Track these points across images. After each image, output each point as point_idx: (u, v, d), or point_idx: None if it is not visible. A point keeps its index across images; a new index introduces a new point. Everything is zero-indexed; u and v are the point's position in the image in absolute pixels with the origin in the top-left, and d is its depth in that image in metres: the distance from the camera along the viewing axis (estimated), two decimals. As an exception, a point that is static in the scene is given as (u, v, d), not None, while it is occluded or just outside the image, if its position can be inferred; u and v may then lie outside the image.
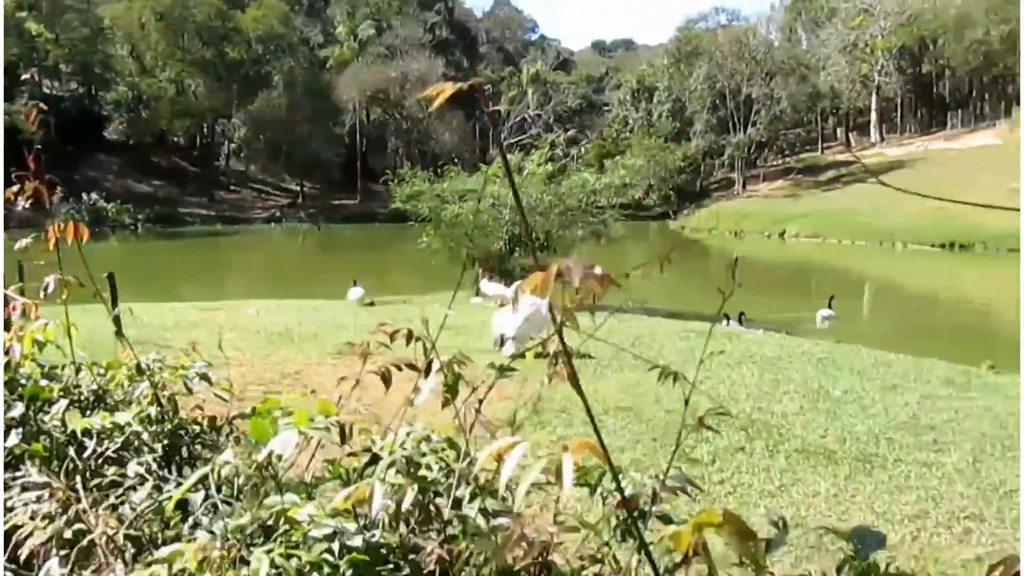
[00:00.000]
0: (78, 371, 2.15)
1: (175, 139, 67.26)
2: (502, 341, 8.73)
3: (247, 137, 64.51)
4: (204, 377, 1.96)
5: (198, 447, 1.81)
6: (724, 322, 15.24)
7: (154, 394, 1.85)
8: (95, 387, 2.07)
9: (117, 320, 10.22)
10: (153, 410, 1.80)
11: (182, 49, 59.37)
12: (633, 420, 6.40)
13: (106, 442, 1.75)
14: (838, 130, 73.63)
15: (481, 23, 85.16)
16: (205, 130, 65.47)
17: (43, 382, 2.06)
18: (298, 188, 67.38)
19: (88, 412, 1.96)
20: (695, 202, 57.82)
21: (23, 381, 2.03)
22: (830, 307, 16.38)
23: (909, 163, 52.17)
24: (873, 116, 68.81)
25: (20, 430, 1.87)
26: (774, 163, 65.85)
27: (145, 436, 1.76)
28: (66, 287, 2.08)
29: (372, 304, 14.08)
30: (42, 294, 2.08)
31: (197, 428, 1.84)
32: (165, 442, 1.76)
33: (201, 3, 59.18)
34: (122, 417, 1.78)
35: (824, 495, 4.71)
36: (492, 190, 15.42)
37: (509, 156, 17.24)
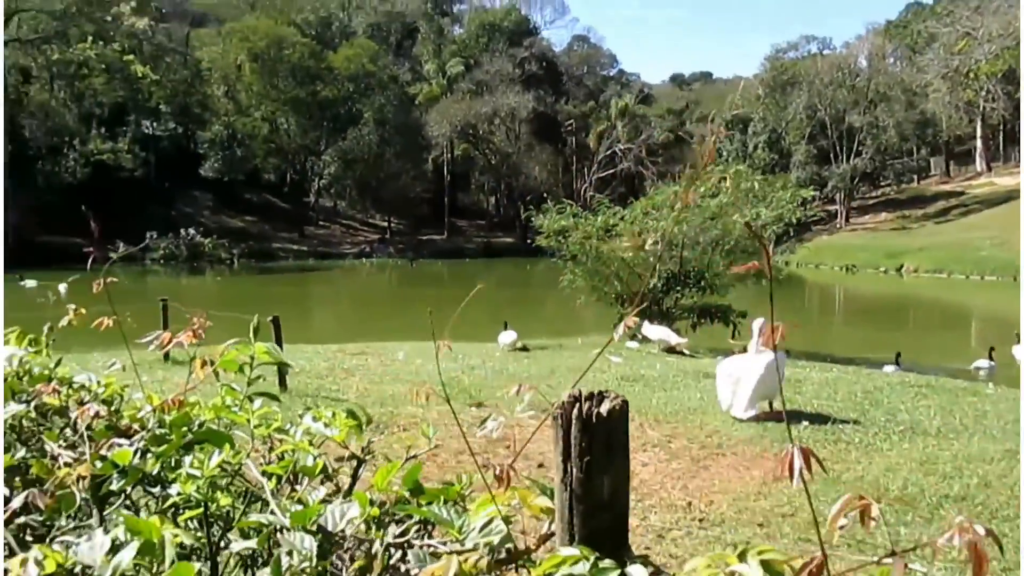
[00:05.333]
0: None
1: (267, 176, 68.26)
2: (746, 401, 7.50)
3: (336, 174, 64.99)
4: None
5: None
6: (894, 367, 13.73)
7: None
8: None
9: (281, 372, 9.37)
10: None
11: (276, 89, 60.28)
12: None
13: None
14: (932, 160, 70.53)
15: (560, 59, 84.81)
16: (296, 167, 66.22)
17: None
18: (386, 224, 67.61)
19: None
20: (795, 236, 55.59)
21: None
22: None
23: (1029, 193, 49.20)
24: (978, 144, 65.63)
25: None
26: (874, 195, 63.27)
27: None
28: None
29: (525, 349, 13.01)
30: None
31: None
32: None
33: (295, 44, 60.11)
34: None
35: None
36: (650, 224, 14.30)
37: (664, 188, 16.13)
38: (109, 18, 51.67)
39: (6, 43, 51.36)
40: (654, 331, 13.01)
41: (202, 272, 48.09)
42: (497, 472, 1.08)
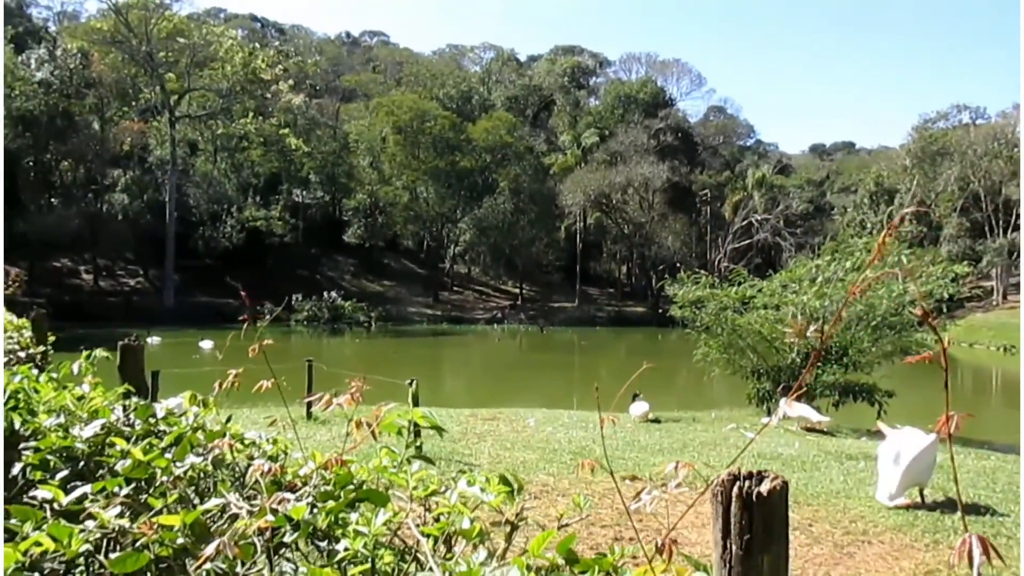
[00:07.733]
0: None
1: (405, 243, 70.92)
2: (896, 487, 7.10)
3: (471, 240, 66.64)
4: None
5: None
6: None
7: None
8: None
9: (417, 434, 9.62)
10: None
11: (417, 159, 62.83)
12: None
13: None
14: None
15: (696, 129, 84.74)
16: (432, 234, 68.42)
17: None
18: (517, 290, 68.52)
19: None
20: (945, 313, 52.52)
21: None
22: None
23: None
24: None
25: None
26: (1034, 271, 59.20)
27: None
28: None
29: (657, 421, 12.79)
30: None
31: None
32: None
33: (437, 117, 62.75)
34: None
35: None
36: (790, 298, 13.91)
37: (804, 260, 15.72)
38: (269, 95, 55.82)
39: (178, 119, 56.13)
40: (793, 408, 12.52)
41: (341, 333, 50.02)
42: (659, 544, 1.10)
